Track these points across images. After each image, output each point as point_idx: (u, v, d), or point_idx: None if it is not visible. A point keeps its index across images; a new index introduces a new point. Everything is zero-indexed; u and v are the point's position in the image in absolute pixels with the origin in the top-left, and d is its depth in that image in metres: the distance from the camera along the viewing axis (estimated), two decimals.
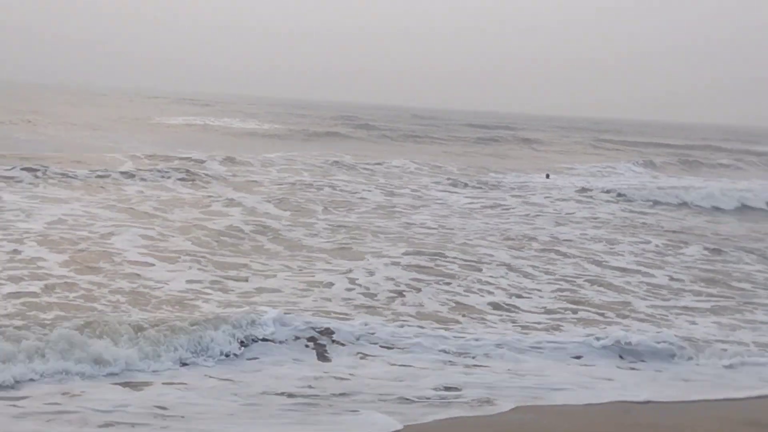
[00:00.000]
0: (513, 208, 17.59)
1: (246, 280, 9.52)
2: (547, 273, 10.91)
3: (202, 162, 22.11)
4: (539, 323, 8.52)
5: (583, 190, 21.80)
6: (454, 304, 9.09)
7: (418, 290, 9.54)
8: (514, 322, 8.57)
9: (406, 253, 11.44)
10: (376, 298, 9.15)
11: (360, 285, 9.56)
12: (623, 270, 11.51)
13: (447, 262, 11.11)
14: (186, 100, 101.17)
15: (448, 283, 9.92)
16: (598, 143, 54.23)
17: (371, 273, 10.12)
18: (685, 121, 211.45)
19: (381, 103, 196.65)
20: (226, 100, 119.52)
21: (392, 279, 9.89)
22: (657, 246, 13.66)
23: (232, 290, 8.99)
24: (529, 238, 13.55)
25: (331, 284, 9.54)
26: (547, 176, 25.56)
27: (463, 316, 8.66)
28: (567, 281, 10.51)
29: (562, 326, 8.45)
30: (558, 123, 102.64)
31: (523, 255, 12.04)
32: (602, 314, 9.07)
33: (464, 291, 9.65)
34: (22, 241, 10.40)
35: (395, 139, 44.30)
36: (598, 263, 11.85)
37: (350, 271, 10.20)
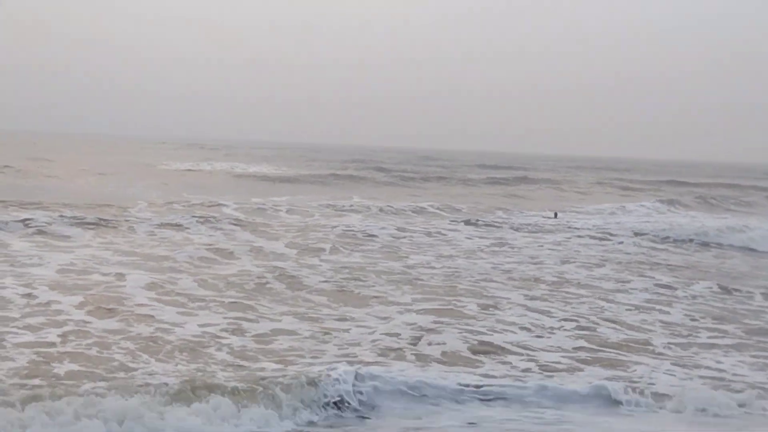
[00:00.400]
0: (520, 248, 17.48)
1: (257, 321, 9.47)
2: (562, 311, 10.81)
3: (215, 206, 22.19)
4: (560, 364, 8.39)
5: (597, 228, 21.69)
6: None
7: (439, 333, 9.35)
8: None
9: (419, 299, 11.42)
10: (401, 340, 8.94)
11: (378, 329, 9.44)
12: (637, 307, 11.40)
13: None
14: (191, 144, 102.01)
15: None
16: (612, 182, 54.00)
17: (387, 319, 10.00)
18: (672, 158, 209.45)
19: (378, 145, 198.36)
20: (229, 144, 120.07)
21: (412, 323, 9.78)
22: (668, 283, 13.56)
23: (248, 332, 8.93)
24: (535, 279, 13.42)
25: (349, 329, 9.40)
26: (555, 215, 25.44)
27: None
28: (583, 318, 10.39)
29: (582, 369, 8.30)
30: (564, 163, 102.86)
31: (535, 294, 11.95)
32: (623, 355, 8.89)
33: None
34: (34, 286, 10.43)
35: (409, 180, 44.48)
36: (610, 301, 11.74)
37: (367, 314, 10.17)
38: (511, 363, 8.32)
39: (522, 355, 8.63)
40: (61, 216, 17.04)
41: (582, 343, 9.23)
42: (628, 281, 13.59)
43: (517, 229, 20.90)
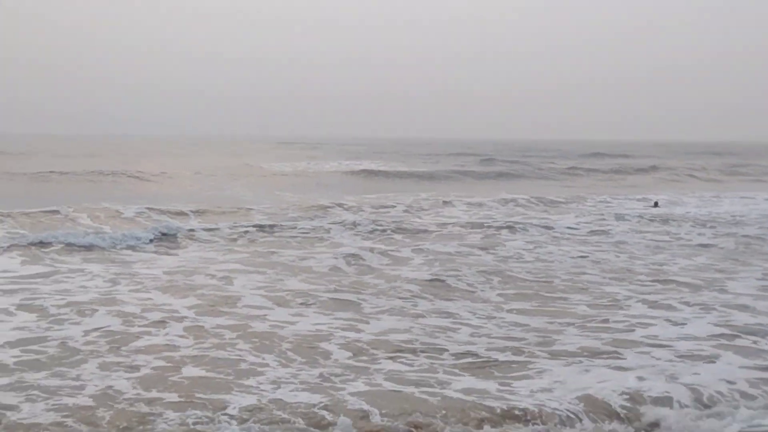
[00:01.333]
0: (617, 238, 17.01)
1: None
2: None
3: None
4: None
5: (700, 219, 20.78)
6: None
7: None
8: None
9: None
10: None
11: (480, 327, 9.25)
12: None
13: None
14: (284, 144, 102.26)
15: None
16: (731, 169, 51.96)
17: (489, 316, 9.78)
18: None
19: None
20: (323, 141, 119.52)
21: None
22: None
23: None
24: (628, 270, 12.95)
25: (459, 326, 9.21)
26: (656, 204, 24.69)
27: None
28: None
29: None
30: (672, 148, 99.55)
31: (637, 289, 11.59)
32: None
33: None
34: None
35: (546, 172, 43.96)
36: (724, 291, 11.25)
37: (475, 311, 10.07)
38: None
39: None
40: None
41: None
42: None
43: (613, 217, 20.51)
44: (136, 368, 7.22)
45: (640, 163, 54.68)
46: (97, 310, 9.38)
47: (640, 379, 7.05)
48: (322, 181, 34.90)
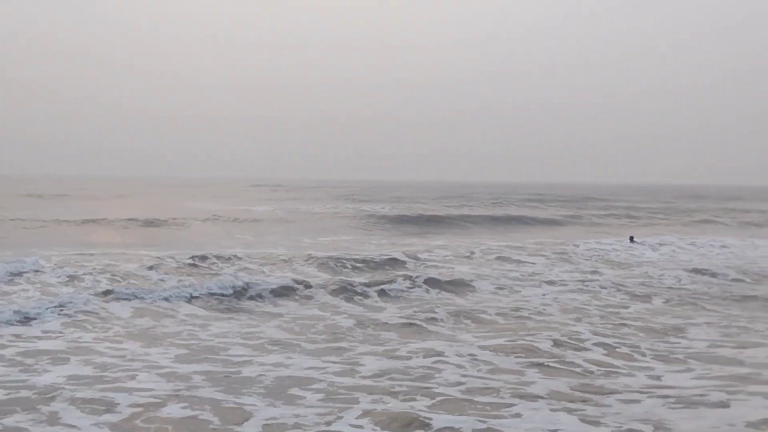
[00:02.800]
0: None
1: None
2: None
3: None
4: None
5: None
6: None
7: None
8: None
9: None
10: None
11: None
12: None
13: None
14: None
15: None
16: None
17: None
18: None
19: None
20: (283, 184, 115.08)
21: None
22: None
23: None
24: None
25: None
26: (631, 239, 24.83)
27: None
28: None
29: None
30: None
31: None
32: None
33: None
34: None
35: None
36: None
37: None
38: None
39: None
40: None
41: None
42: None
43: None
44: None
45: None
46: None
47: None
48: None
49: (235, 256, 18.10)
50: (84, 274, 14.89)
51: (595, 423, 7.01)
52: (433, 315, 12.35)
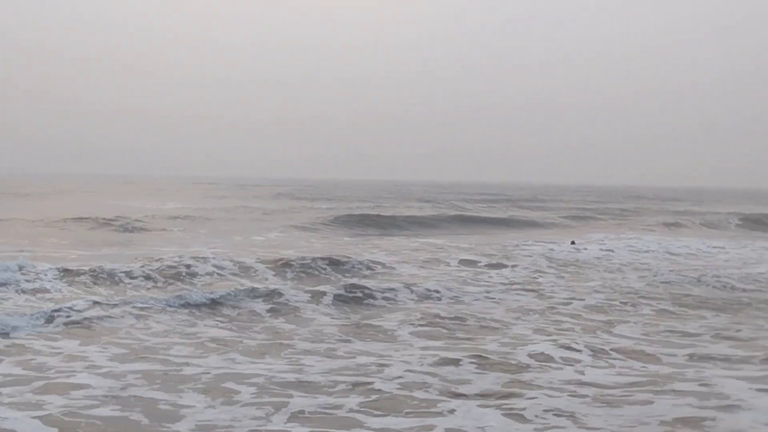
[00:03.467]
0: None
1: None
2: None
3: None
4: None
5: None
6: None
7: None
8: None
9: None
10: None
11: None
12: None
13: None
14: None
15: None
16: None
17: None
18: None
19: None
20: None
21: None
22: None
23: None
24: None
25: None
26: (573, 243, 25.32)
27: None
28: None
29: None
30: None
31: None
32: None
33: None
34: None
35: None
36: None
37: None
38: None
39: None
40: None
41: None
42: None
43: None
44: None
45: None
46: None
47: None
48: None
49: None
50: None
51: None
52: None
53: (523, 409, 7.58)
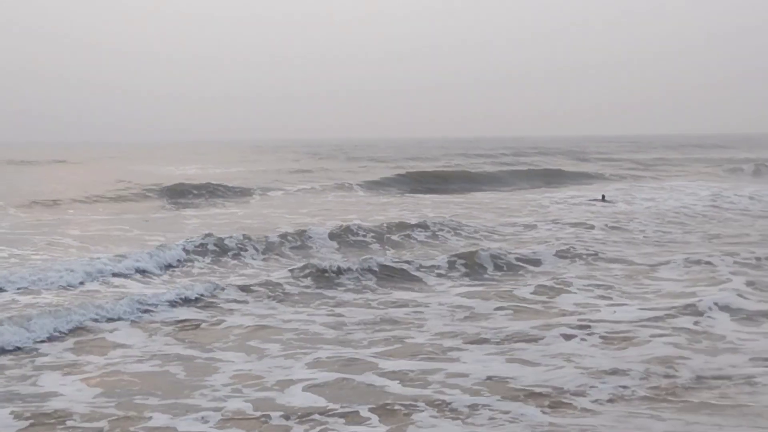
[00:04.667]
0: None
1: None
2: None
3: None
4: None
5: None
6: None
7: None
8: None
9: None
10: None
11: None
12: None
13: None
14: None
15: None
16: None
17: None
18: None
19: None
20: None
21: None
22: None
23: None
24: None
25: None
26: (603, 198, 25.23)
27: None
28: None
29: None
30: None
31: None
32: None
33: None
34: None
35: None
36: None
37: None
38: None
39: None
40: None
41: None
42: None
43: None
44: None
45: None
46: None
47: None
48: None
49: None
50: None
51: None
52: None
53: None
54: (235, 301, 10.51)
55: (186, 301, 10.26)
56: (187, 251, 13.74)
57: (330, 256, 14.10)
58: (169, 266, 12.93)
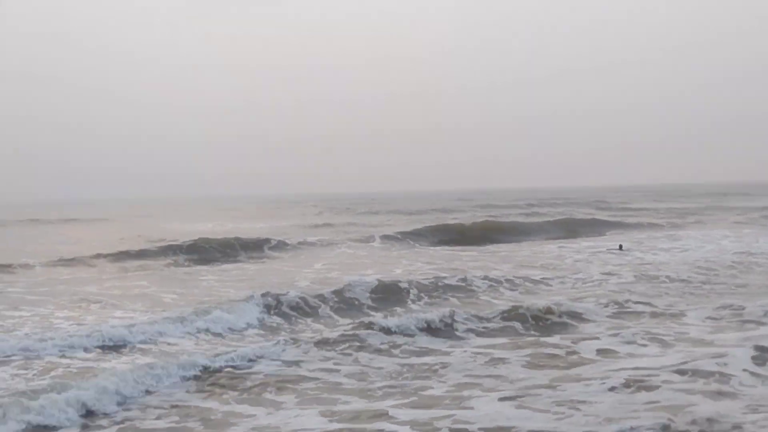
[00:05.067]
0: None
1: None
2: None
3: None
4: None
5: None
6: None
7: None
8: None
9: None
10: None
11: None
12: None
13: None
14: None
15: None
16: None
17: None
18: None
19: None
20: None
21: None
22: None
23: None
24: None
25: None
26: (620, 247, 25.59)
27: None
28: None
29: None
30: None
31: None
32: None
33: None
34: None
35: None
36: None
37: None
38: None
39: None
40: None
41: None
42: None
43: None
44: None
45: None
46: None
47: None
48: None
49: None
50: None
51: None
52: None
53: None
54: None
55: None
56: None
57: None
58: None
